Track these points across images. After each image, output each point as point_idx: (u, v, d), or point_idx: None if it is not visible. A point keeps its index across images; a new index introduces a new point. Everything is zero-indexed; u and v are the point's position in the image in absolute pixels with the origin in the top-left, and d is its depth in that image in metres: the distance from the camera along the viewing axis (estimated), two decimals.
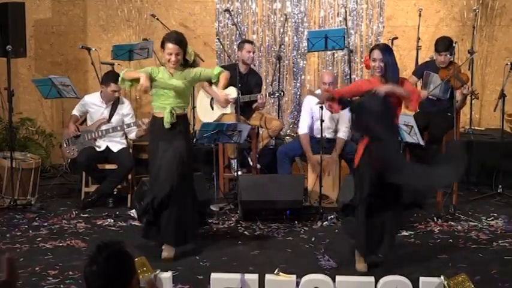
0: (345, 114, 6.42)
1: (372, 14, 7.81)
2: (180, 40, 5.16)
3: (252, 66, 7.29)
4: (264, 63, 7.94)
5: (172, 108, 5.11)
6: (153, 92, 5.17)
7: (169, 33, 5.38)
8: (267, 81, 7.84)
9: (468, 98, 7.24)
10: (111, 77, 6.36)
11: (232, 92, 6.83)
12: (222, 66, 7.35)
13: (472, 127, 7.54)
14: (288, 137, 7.48)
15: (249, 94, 6.83)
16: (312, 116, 6.63)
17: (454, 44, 6.68)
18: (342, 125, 6.56)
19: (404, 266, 4.74)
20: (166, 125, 5.08)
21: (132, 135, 6.51)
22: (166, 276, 3.84)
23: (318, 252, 5.18)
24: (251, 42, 7.07)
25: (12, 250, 5.30)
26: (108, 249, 2.52)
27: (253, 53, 6.98)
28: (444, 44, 6.51)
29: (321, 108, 6.19)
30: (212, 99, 7.00)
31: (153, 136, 5.30)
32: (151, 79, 5.10)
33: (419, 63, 7.21)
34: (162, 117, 5.13)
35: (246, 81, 6.83)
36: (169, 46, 5.13)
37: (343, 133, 6.56)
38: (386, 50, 4.96)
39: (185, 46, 5.17)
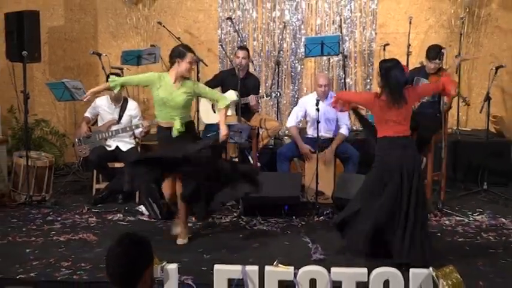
0: (345, 113, 6.52)
1: (365, 22, 7.82)
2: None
3: (251, 70, 7.30)
4: (263, 67, 7.95)
5: (181, 119, 5.15)
6: (155, 101, 5.23)
7: (187, 45, 5.43)
8: (267, 84, 7.85)
9: (455, 100, 7.27)
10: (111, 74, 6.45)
11: (231, 95, 6.86)
12: (223, 71, 7.41)
13: (459, 128, 7.56)
14: (286, 137, 7.49)
15: (247, 96, 6.85)
16: (307, 116, 6.67)
17: (442, 51, 6.69)
18: (343, 122, 6.61)
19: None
20: (176, 133, 5.13)
21: (137, 132, 6.51)
22: (172, 267, 3.84)
23: (314, 245, 5.18)
24: (244, 49, 7.04)
25: (28, 243, 5.32)
26: (132, 237, 2.62)
27: (245, 58, 6.92)
28: (435, 52, 6.51)
29: (317, 110, 6.23)
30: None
31: (161, 143, 5.36)
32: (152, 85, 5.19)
33: (410, 68, 7.20)
34: (169, 127, 5.17)
35: (244, 84, 6.83)
36: (192, 56, 5.21)
37: (345, 130, 6.59)
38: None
39: None
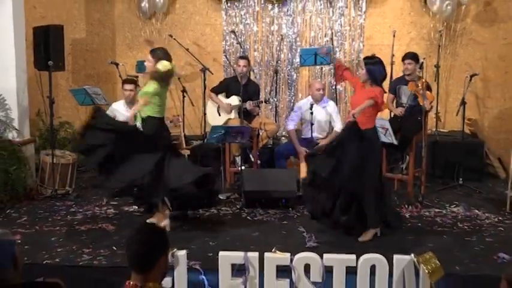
0: (337, 115, 6.62)
1: (354, 35, 7.81)
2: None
3: (252, 77, 7.29)
4: (263, 75, 7.94)
5: None
6: (164, 100, 5.21)
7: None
8: (266, 90, 7.84)
9: (434, 104, 7.28)
10: (125, 80, 6.68)
11: (234, 101, 6.86)
12: (226, 78, 7.41)
13: (438, 129, 7.55)
14: (283, 138, 7.48)
15: (249, 101, 6.84)
16: (303, 119, 6.67)
17: (422, 60, 6.70)
18: (336, 122, 6.60)
19: (380, 246, 4.73)
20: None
21: None
22: (181, 253, 3.84)
23: (308, 234, 5.18)
24: (245, 58, 7.02)
25: (53, 232, 5.32)
26: (150, 227, 2.71)
27: (246, 67, 6.91)
28: (407, 54, 6.58)
29: (311, 113, 6.23)
30: (219, 107, 7.02)
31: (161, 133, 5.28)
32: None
33: (393, 75, 7.20)
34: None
35: (245, 90, 6.83)
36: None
37: (338, 128, 6.58)
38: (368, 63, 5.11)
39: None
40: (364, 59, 5.29)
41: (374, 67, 5.03)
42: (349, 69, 5.51)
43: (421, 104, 6.20)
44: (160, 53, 5.16)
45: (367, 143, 4.96)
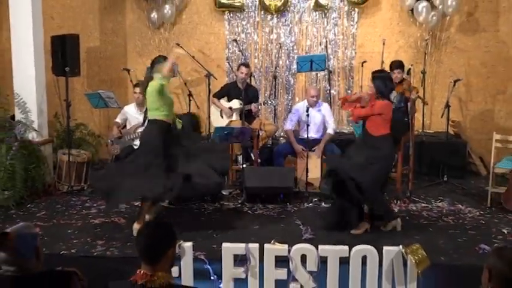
0: (330, 116, 6.55)
1: (346, 43, 7.79)
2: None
3: (252, 82, 7.28)
4: (263, 80, 7.93)
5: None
6: (169, 103, 5.09)
7: (166, 56, 5.27)
8: (266, 95, 7.83)
9: (421, 107, 7.27)
10: (136, 84, 6.59)
11: (235, 104, 6.85)
12: (229, 83, 7.39)
13: (424, 130, 7.53)
14: (281, 138, 7.47)
15: (249, 104, 6.84)
16: (300, 120, 6.66)
17: (410, 66, 6.70)
18: (330, 124, 6.59)
19: (371, 238, 4.74)
20: (179, 126, 5.17)
21: None
22: (188, 245, 3.84)
23: (304, 227, 5.18)
24: (246, 65, 6.99)
25: (70, 225, 5.32)
26: (158, 222, 2.63)
27: (247, 74, 6.88)
28: (395, 64, 6.58)
29: (307, 115, 6.22)
30: (221, 111, 7.02)
31: (163, 136, 5.10)
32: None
33: None
34: (169, 122, 5.11)
35: (246, 94, 6.82)
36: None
37: (331, 130, 6.57)
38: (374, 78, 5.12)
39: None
40: (372, 73, 5.26)
41: (380, 82, 5.03)
42: (346, 100, 5.43)
43: (408, 96, 6.24)
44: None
45: (374, 148, 4.99)
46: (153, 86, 5.02)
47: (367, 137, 5.08)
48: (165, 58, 5.22)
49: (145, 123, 5.55)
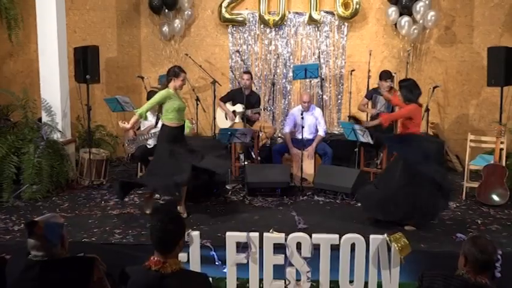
0: (322, 119, 6.54)
1: (337, 54, 7.79)
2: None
3: (253, 89, 7.28)
4: (262, 87, 7.93)
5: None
6: (172, 109, 5.09)
7: (181, 67, 5.29)
8: (265, 99, 7.83)
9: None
10: (148, 94, 6.64)
11: (238, 108, 6.84)
12: (232, 89, 7.39)
13: None
14: (279, 139, 7.47)
15: (251, 109, 6.84)
16: (295, 123, 6.66)
17: (393, 74, 6.68)
18: (321, 126, 6.57)
19: (359, 228, 4.74)
20: (188, 130, 5.18)
21: None
22: (195, 234, 3.84)
23: (299, 218, 5.18)
24: (248, 73, 7.00)
25: (90, 215, 5.32)
26: (170, 214, 2.68)
27: (249, 80, 6.90)
28: (386, 75, 6.55)
29: (302, 118, 6.22)
30: (226, 113, 7.02)
31: (169, 140, 5.15)
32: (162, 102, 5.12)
33: (370, 87, 7.19)
34: (179, 126, 5.13)
35: (248, 99, 6.82)
36: (184, 75, 5.16)
37: (322, 132, 6.56)
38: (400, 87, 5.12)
39: None
40: (400, 82, 5.26)
41: (406, 90, 5.01)
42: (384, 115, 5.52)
43: (391, 103, 6.27)
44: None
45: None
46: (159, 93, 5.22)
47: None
48: (180, 68, 5.24)
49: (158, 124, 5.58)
